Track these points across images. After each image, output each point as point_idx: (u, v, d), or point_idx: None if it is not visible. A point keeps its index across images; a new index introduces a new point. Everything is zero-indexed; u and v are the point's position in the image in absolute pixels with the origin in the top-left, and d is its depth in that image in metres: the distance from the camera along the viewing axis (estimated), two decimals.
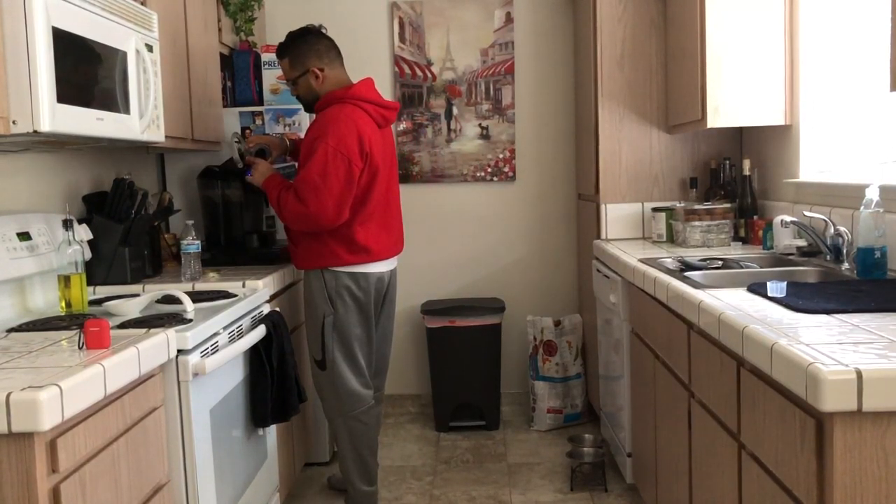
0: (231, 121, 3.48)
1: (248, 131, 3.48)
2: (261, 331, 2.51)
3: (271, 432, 2.76)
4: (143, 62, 2.39)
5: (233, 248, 3.31)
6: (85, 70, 2.07)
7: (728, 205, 3.30)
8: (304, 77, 2.91)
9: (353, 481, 3.05)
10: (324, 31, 2.98)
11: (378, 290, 3.01)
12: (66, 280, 2.26)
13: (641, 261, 2.80)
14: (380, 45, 4.39)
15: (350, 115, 2.81)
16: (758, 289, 2.06)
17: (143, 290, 2.60)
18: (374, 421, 3.12)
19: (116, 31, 2.25)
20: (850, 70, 2.86)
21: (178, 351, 2.01)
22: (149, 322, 2.07)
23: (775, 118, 3.10)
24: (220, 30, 3.49)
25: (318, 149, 2.75)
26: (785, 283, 2.00)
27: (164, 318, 2.14)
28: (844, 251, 2.48)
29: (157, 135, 2.50)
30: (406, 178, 4.38)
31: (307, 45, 2.91)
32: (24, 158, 2.48)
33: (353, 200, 2.82)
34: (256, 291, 2.64)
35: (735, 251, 3.06)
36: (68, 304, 2.26)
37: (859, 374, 1.32)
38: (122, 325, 2.02)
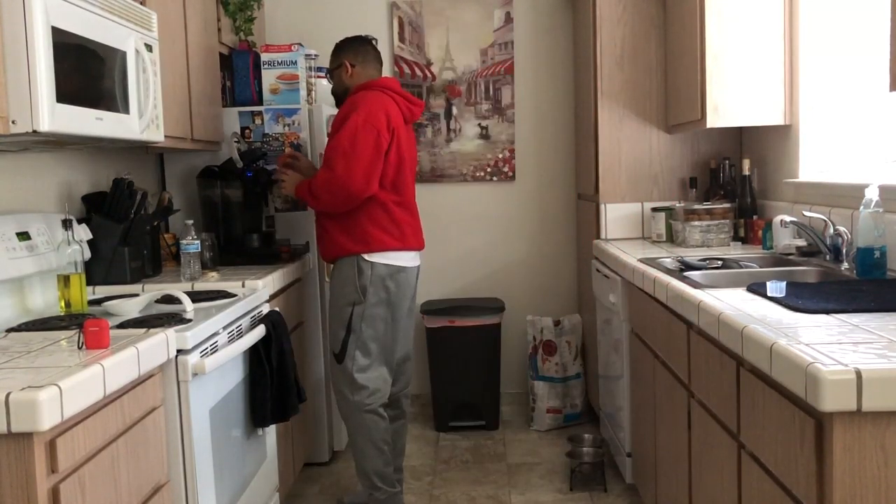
0: (230, 121, 3.48)
1: (247, 131, 3.48)
2: (260, 330, 2.50)
3: (271, 432, 2.76)
4: (142, 62, 2.38)
5: (232, 248, 3.31)
6: (84, 70, 2.07)
7: (728, 205, 3.30)
8: (338, 70, 3.03)
9: (374, 482, 2.93)
10: (374, 42, 3.13)
11: (408, 286, 3.01)
12: (65, 280, 2.26)
13: (641, 261, 2.80)
14: (379, 44, 4.35)
15: (379, 98, 2.89)
16: (757, 289, 2.05)
17: (143, 290, 2.60)
18: (394, 424, 3.08)
19: (116, 31, 2.24)
20: (850, 70, 2.86)
21: (178, 351, 2.01)
22: (148, 322, 2.07)
23: (775, 118, 3.10)
24: (219, 29, 3.48)
25: (349, 121, 2.80)
26: (784, 282, 2.00)
27: (163, 317, 2.13)
28: (844, 251, 2.48)
29: (156, 134, 2.50)
30: None
31: (349, 43, 3.07)
32: (23, 158, 2.47)
33: (387, 183, 2.87)
34: (256, 291, 2.64)
35: (735, 251, 3.06)
36: (67, 304, 2.26)
37: (859, 374, 1.32)
38: (122, 325, 2.02)
